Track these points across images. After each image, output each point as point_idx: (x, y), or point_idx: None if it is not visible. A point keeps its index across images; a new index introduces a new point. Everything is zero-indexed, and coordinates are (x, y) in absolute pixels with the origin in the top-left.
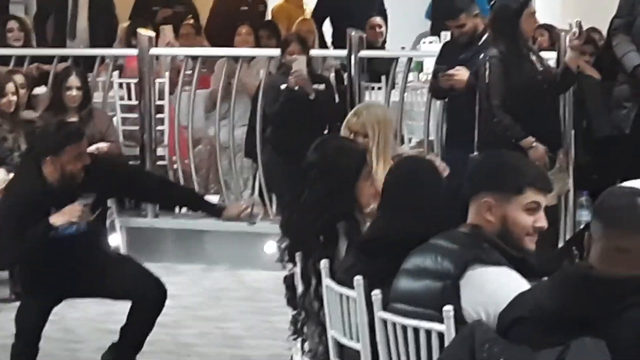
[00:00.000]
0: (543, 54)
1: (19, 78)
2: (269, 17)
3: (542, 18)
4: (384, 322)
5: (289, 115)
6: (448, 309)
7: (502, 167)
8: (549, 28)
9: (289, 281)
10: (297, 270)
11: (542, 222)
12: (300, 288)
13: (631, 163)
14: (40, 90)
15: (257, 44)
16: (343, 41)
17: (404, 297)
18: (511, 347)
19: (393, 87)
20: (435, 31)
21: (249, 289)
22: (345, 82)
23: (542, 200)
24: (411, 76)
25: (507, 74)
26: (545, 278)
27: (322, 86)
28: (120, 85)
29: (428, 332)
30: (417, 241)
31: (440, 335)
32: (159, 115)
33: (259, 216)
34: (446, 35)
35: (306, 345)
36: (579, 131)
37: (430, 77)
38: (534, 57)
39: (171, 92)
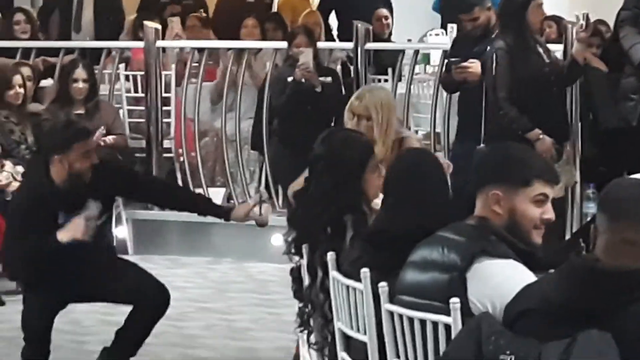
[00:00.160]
0: (550, 46)
1: (26, 70)
2: (274, 9)
3: (549, 10)
4: (391, 314)
5: (295, 108)
6: (455, 301)
7: (509, 159)
8: (557, 20)
9: (295, 273)
10: (304, 262)
11: (549, 214)
12: (306, 280)
13: (638, 155)
14: (47, 82)
15: (264, 37)
16: (349, 34)
17: (410, 290)
18: (518, 340)
19: (400, 79)
20: (445, 25)
21: (255, 281)
22: (352, 75)
23: (549, 192)
24: (418, 68)
25: (514, 66)
26: (552, 270)
27: (328, 79)
28: (127, 77)
29: (435, 325)
30: (422, 233)
31: (447, 328)
32: (165, 108)
33: (268, 215)
34: (453, 28)
35: (312, 338)
36: (585, 123)
37: (436, 69)
38: (540, 49)
39: (178, 84)
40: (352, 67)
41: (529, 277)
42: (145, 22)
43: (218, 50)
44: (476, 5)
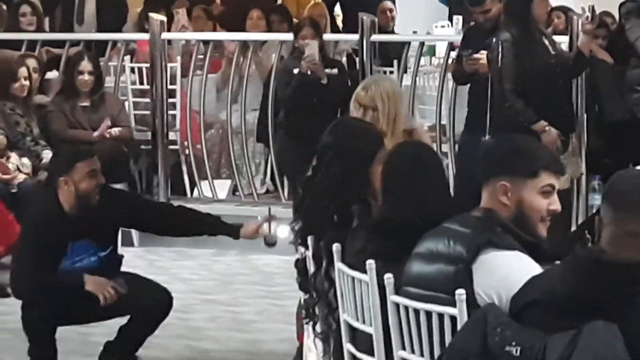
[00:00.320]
0: (556, 37)
1: (32, 62)
2: (280, 1)
3: (555, 1)
4: (397, 306)
5: (301, 100)
6: (460, 293)
7: (516, 150)
8: (565, 10)
9: (300, 265)
10: (309, 254)
11: (556, 205)
12: (312, 269)
13: None
14: (52, 74)
15: (269, 29)
16: (354, 26)
17: (416, 281)
18: (523, 331)
19: (405, 71)
20: (451, 17)
21: (260, 273)
22: (357, 67)
23: (555, 183)
24: (423, 60)
25: (520, 57)
26: (558, 262)
27: (334, 70)
28: (132, 69)
29: (440, 316)
30: (425, 223)
31: (453, 319)
32: (170, 100)
33: (277, 233)
34: (459, 20)
35: (317, 328)
36: (591, 115)
37: (441, 61)
38: (546, 41)
39: (184, 76)
40: (357, 59)
41: (535, 268)
42: (151, 14)
43: (223, 43)
44: None
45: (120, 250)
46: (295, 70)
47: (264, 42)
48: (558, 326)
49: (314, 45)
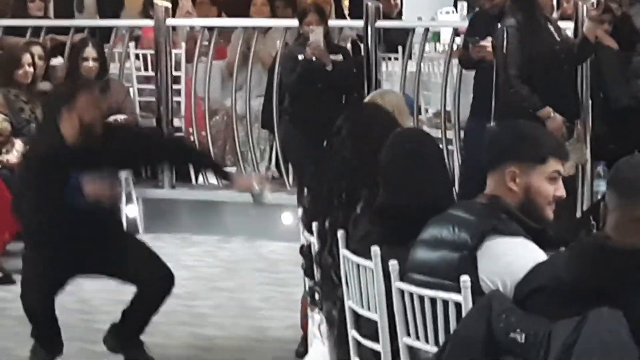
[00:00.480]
0: (561, 23)
1: (37, 49)
2: None
3: None
4: (402, 292)
5: (306, 86)
6: (465, 280)
7: (524, 136)
8: None
9: (306, 251)
10: (313, 239)
11: (561, 190)
12: (317, 247)
13: None
14: (57, 61)
15: (273, 14)
16: (359, 12)
17: (421, 268)
18: (528, 317)
19: (410, 57)
20: (456, 3)
21: (265, 260)
22: (362, 53)
23: (561, 169)
24: (428, 47)
25: (525, 44)
26: (563, 249)
27: (339, 57)
28: (137, 56)
29: (445, 303)
30: (427, 207)
31: (458, 306)
32: (175, 87)
33: (268, 195)
34: (463, 6)
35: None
36: (596, 101)
37: (446, 47)
38: (551, 27)
39: (189, 62)
40: (362, 46)
41: (540, 255)
42: (155, 1)
43: (228, 29)
44: None
45: None
46: (300, 57)
47: (268, 28)
48: (563, 313)
49: (318, 32)
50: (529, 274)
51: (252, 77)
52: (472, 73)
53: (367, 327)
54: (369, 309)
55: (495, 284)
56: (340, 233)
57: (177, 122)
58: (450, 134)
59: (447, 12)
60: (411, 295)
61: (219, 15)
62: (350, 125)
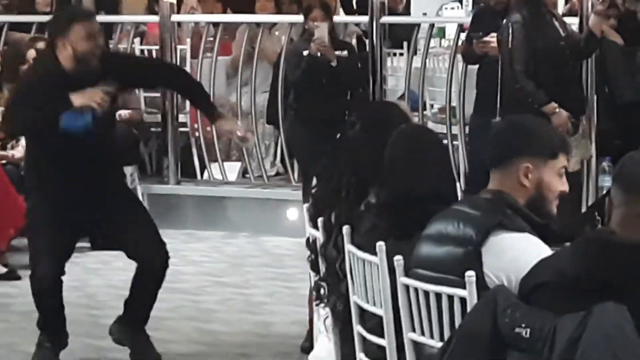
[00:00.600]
0: (566, 19)
1: (42, 45)
2: None
3: None
4: (407, 287)
5: (311, 82)
6: (470, 275)
7: (533, 132)
8: None
9: (311, 245)
10: (319, 234)
11: (566, 185)
12: (322, 239)
13: None
14: None
15: (278, 10)
16: (364, 8)
17: (426, 263)
18: (533, 313)
19: (415, 53)
20: None
21: (270, 255)
22: (367, 49)
23: (567, 164)
24: (433, 42)
25: (530, 39)
26: (568, 244)
27: (344, 52)
28: (142, 52)
29: (450, 298)
30: (430, 199)
31: (463, 301)
32: None
33: (250, 139)
34: (468, 2)
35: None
36: (601, 97)
37: (451, 43)
38: (556, 23)
39: (194, 58)
40: (367, 41)
41: (545, 250)
42: None
43: (233, 25)
44: None
45: None
46: (305, 52)
47: (274, 24)
48: (568, 308)
49: (323, 27)
50: (534, 269)
51: (257, 73)
52: (476, 69)
53: (371, 321)
54: (374, 304)
55: (500, 279)
56: (345, 229)
57: (182, 118)
58: (455, 130)
59: (452, 8)
60: (416, 290)
61: (224, 11)
62: (365, 121)
